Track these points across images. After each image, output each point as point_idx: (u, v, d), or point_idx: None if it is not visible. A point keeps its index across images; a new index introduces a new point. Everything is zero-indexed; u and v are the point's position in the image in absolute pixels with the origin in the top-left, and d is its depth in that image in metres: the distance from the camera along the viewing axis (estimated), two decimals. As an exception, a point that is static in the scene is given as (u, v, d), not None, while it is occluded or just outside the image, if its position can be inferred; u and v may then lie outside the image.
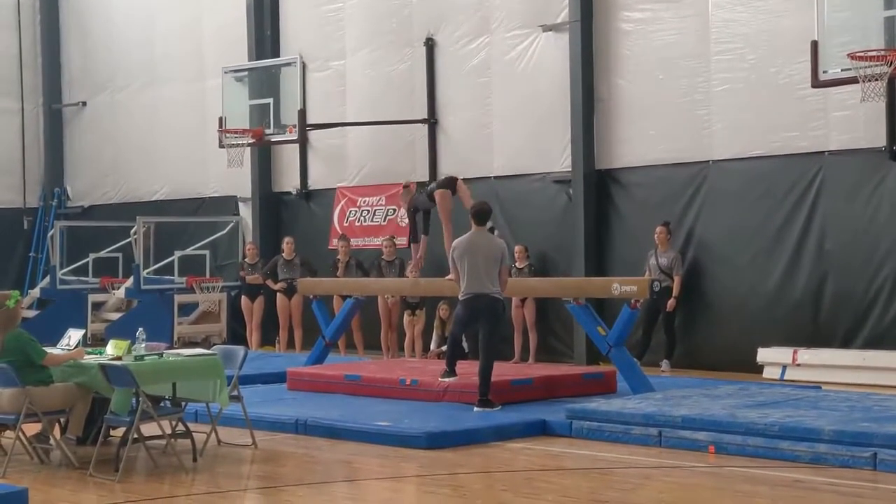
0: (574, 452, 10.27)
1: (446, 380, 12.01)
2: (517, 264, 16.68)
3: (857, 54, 12.40)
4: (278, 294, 18.95)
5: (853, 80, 12.61)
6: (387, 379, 13.00)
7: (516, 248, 16.81)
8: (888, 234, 14.51)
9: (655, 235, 15.93)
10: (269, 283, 18.99)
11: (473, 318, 11.78)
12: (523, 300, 16.79)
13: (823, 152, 15.06)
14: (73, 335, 10.61)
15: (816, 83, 13.19)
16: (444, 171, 18.82)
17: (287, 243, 19.09)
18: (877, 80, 12.41)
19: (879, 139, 14.48)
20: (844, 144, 14.86)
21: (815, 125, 15.05)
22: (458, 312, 12.01)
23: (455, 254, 11.76)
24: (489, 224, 12.15)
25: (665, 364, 15.83)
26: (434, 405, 11.99)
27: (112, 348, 10.29)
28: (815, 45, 12.92)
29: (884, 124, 14.39)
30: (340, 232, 19.74)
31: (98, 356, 10.22)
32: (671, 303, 15.57)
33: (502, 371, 12.87)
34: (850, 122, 14.73)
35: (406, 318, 17.81)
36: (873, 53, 12.32)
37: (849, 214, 14.84)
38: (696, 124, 16.12)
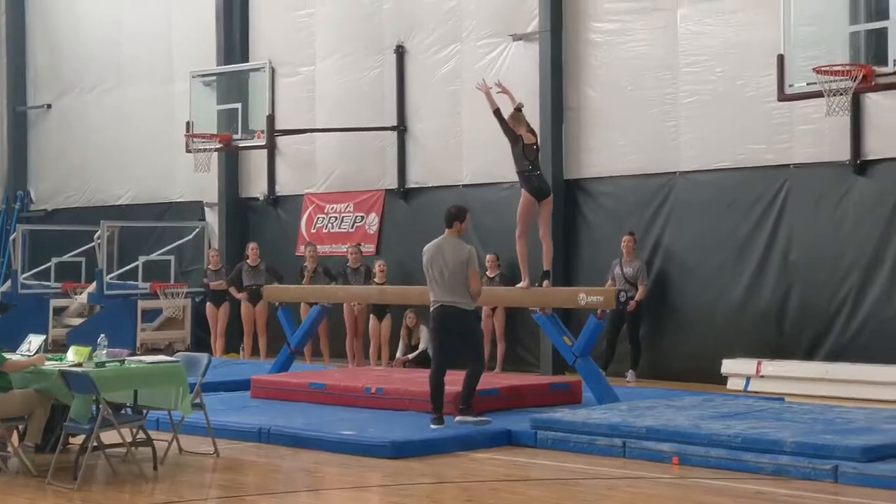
0: (539, 463, 10.26)
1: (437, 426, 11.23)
2: (488, 273, 16.66)
3: (823, 69, 12.45)
4: (243, 301, 18.87)
5: (818, 94, 12.66)
6: (352, 387, 12.96)
7: (487, 257, 16.80)
8: (852, 247, 14.60)
9: (622, 245, 15.96)
10: (233, 290, 18.92)
11: (445, 332, 11.43)
12: (493, 309, 16.77)
13: (789, 165, 15.14)
14: (34, 341, 10.52)
15: (782, 97, 13.23)
16: (413, 178, 18.84)
17: (251, 249, 19.02)
18: (841, 94, 12.46)
19: (844, 153, 14.58)
20: (809, 157, 14.95)
21: (780, 138, 15.14)
22: (431, 326, 11.77)
23: (424, 260, 11.47)
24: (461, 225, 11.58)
25: (630, 374, 15.86)
26: (399, 414, 11.96)
27: (73, 354, 10.20)
28: (781, 58, 12.96)
29: (848, 138, 14.49)
30: (308, 238, 19.69)
31: (59, 362, 10.14)
32: (632, 304, 15.43)
33: (467, 380, 12.80)
34: (815, 136, 14.82)
35: (372, 325, 17.77)
36: (838, 68, 12.38)
37: (813, 227, 14.93)
38: (663, 135, 16.17)
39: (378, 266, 17.71)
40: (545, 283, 12.80)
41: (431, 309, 11.53)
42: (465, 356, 11.49)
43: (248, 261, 19.00)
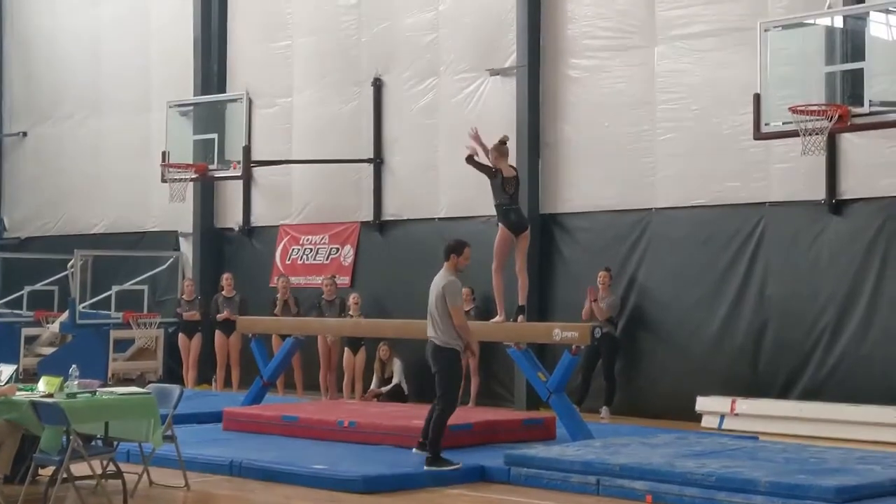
0: (513, 500, 10.20)
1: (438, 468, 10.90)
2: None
3: (799, 108, 12.54)
4: (217, 332, 18.79)
5: (794, 134, 12.74)
6: (325, 420, 12.88)
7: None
8: (827, 286, 14.64)
9: (598, 280, 15.95)
10: (218, 316, 18.80)
11: (430, 367, 11.20)
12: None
13: (764, 203, 15.19)
14: (5, 370, 10.42)
15: (758, 135, 13.31)
16: (390, 211, 18.82)
17: (226, 280, 18.97)
18: (817, 134, 12.55)
19: (819, 192, 14.64)
20: (785, 196, 15.00)
21: (756, 176, 15.20)
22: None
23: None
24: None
25: (605, 411, 15.82)
26: (372, 448, 11.88)
27: (44, 385, 10.11)
28: (757, 97, 13.05)
29: (823, 177, 14.55)
30: (282, 270, 19.64)
31: (30, 393, 10.04)
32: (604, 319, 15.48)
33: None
34: (790, 175, 14.88)
35: (346, 358, 17.70)
36: (814, 108, 12.47)
37: (788, 266, 14.96)
38: (640, 172, 16.21)
39: (352, 299, 17.66)
40: (520, 317, 12.76)
41: None
42: (437, 395, 11.22)
43: (223, 292, 18.93)
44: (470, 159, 12.64)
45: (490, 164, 12.66)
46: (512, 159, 16.72)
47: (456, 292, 11.17)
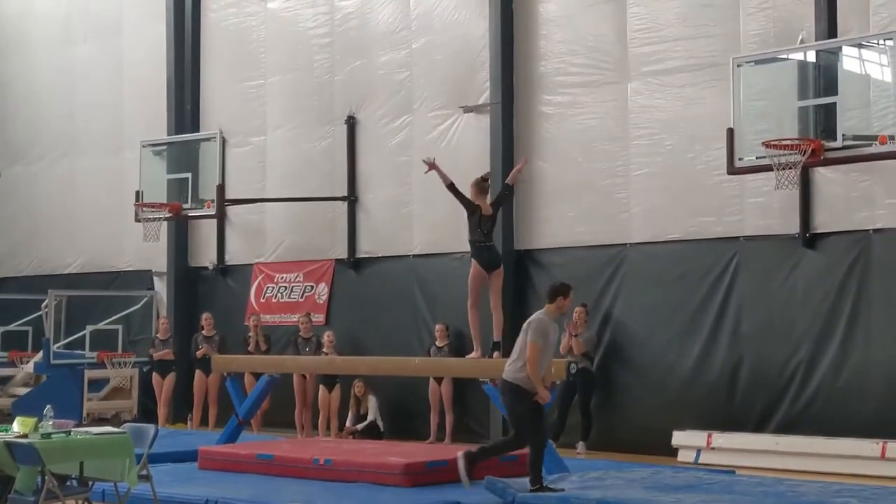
0: (489, 536, 10.16)
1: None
2: (437, 343, 16.64)
3: (772, 142, 12.60)
4: (197, 370, 18.73)
5: (768, 168, 12.80)
6: (300, 458, 12.80)
7: (437, 327, 16.80)
8: (801, 320, 14.68)
9: (574, 316, 15.94)
10: (197, 352, 18.72)
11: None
12: (439, 379, 16.69)
13: (739, 237, 15.25)
14: (-21, 411, 10.35)
15: (732, 170, 13.36)
16: (364, 248, 18.81)
17: (206, 319, 18.94)
18: (790, 168, 12.61)
19: (793, 226, 14.71)
20: (759, 230, 15.07)
21: (730, 210, 15.26)
22: None
23: None
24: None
25: (581, 446, 15.79)
26: (347, 486, 11.81)
27: (19, 425, 10.01)
28: (731, 132, 13.11)
29: (797, 212, 14.62)
30: (257, 308, 19.60)
31: (4, 433, 9.95)
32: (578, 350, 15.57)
33: (418, 452, 12.73)
34: (764, 209, 14.95)
35: (321, 395, 17.64)
36: (787, 142, 12.53)
37: (763, 300, 15.00)
38: (614, 207, 16.26)
39: (327, 336, 17.62)
40: (496, 353, 12.75)
41: None
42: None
43: (202, 331, 18.90)
44: (451, 187, 12.60)
45: (469, 197, 12.64)
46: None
47: (541, 330, 10.84)
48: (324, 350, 17.49)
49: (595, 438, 15.95)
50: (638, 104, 16.11)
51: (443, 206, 17.72)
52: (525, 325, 10.99)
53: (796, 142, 12.48)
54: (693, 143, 15.52)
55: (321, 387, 17.68)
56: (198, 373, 18.77)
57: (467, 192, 12.65)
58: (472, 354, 12.94)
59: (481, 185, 12.76)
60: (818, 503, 9.94)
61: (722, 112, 13.79)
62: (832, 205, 14.52)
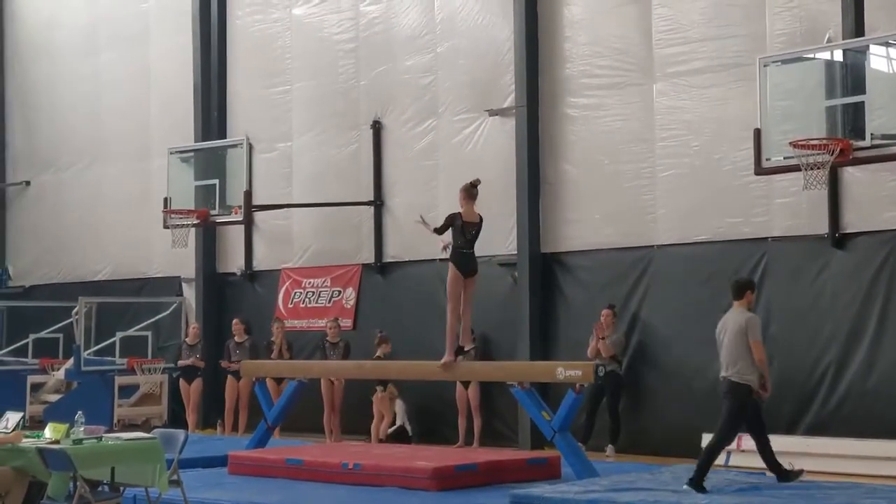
0: (519, 539, 10.15)
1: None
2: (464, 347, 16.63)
3: (800, 142, 12.55)
4: (228, 375, 18.79)
5: (796, 168, 12.75)
6: (329, 463, 12.83)
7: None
8: (831, 320, 14.61)
9: (602, 318, 15.91)
10: (222, 363, 18.81)
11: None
12: (466, 383, 16.69)
13: (767, 238, 15.18)
14: (12, 418, 10.42)
15: (759, 170, 13.32)
16: (390, 253, 18.84)
17: (236, 325, 19.01)
18: (818, 168, 12.56)
19: (822, 226, 14.63)
20: (787, 231, 15.00)
21: (758, 211, 15.20)
22: None
23: (717, 332, 11.49)
24: None
25: (610, 449, 15.75)
26: (376, 490, 11.83)
27: (50, 431, 10.09)
28: (758, 132, 13.07)
29: (826, 211, 14.55)
30: (285, 313, 19.65)
31: (36, 439, 10.03)
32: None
33: (446, 456, 12.72)
34: (792, 209, 14.88)
35: (378, 395, 17.53)
36: (815, 142, 12.48)
37: (792, 300, 14.93)
38: (640, 209, 16.23)
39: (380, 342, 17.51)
40: (459, 358, 12.97)
41: None
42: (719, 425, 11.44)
43: (234, 338, 18.96)
44: (437, 231, 13.05)
45: (454, 221, 12.89)
46: (511, 198, 16.95)
47: (758, 326, 11.30)
48: (379, 354, 17.35)
49: (624, 441, 15.90)
50: (664, 105, 16.07)
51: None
52: (739, 326, 11.18)
53: (824, 141, 12.43)
54: (720, 144, 15.46)
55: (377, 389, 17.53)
56: (229, 378, 18.83)
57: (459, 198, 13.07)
58: (445, 358, 12.98)
59: (470, 191, 13.02)
60: (849, 504, 9.89)
61: (749, 112, 13.75)
62: (861, 204, 14.44)
